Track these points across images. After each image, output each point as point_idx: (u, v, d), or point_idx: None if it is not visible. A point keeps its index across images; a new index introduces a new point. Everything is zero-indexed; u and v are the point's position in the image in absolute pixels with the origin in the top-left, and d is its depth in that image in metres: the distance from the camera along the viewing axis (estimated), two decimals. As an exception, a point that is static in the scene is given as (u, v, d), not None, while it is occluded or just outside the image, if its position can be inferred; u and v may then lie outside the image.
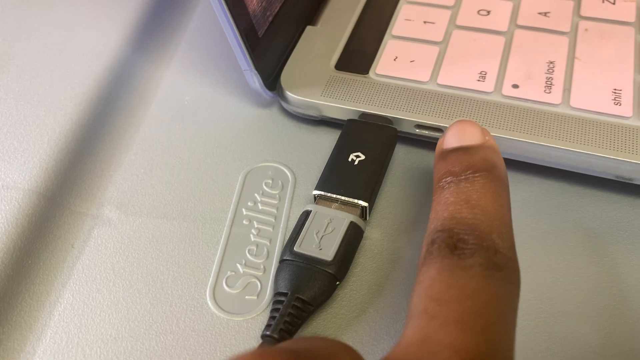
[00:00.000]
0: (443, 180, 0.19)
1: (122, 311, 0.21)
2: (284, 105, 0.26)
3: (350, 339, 0.20)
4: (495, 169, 0.19)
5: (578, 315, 0.20)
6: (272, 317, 0.19)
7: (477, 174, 0.18)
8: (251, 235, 0.22)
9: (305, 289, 0.20)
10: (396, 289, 0.21)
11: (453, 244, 0.16)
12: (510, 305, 0.16)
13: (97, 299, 0.21)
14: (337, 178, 0.23)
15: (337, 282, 0.20)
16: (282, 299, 0.20)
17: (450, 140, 0.20)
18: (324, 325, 0.20)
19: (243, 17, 0.24)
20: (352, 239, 0.21)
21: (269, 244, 0.22)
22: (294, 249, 0.21)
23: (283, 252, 0.21)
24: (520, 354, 0.19)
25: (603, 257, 0.22)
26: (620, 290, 0.21)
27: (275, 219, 0.23)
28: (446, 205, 0.18)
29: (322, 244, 0.21)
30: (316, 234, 0.21)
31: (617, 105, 0.24)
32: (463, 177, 0.18)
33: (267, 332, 0.19)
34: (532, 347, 0.19)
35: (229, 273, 0.21)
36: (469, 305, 0.15)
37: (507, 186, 0.19)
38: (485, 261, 0.16)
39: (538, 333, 0.20)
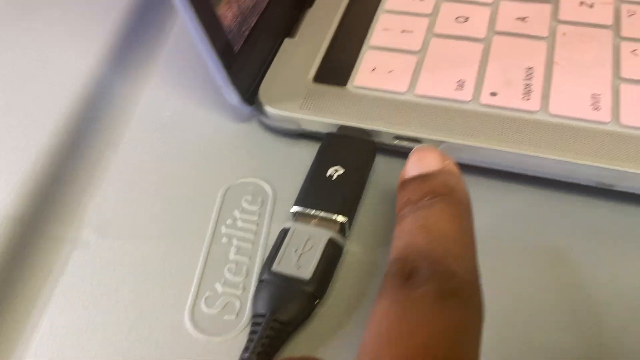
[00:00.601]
0: (403, 210, 0.18)
1: (100, 336, 0.21)
2: (263, 119, 0.26)
3: (330, 356, 0.20)
4: (454, 192, 0.18)
5: (561, 323, 0.20)
6: (250, 340, 0.19)
7: (435, 199, 0.18)
8: (230, 254, 0.22)
9: (283, 309, 0.19)
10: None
11: (407, 273, 0.16)
12: (469, 333, 0.15)
13: (75, 325, 0.21)
14: (315, 194, 0.22)
15: (317, 301, 0.20)
16: (260, 320, 0.19)
17: (410, 170, 0.20)
18: (305, 344, 0.20)
19: (218, 33, 0.24)
20: (331, 255, 0.21)
21: (248, 261, 0.22)
22: (272, 268, 0.20)
23: (261, 272, 0.21)
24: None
25: (585, 263, 0.22)
26: (604, 296, 0.21)
27: (254, 236, 0.23)
28: (403, 234, 0.17)
29: (301, 262, 0.20)
30: (295, 252, 0.21)
31: (596, 111, 0.24)
32: (421, 204, 0.18)
33: (245, 355, 0.19)
34: (516, 357, 0.19)
35: (207, 293, 0.21)
36: (419, 340, 0.14)
37: (469, 209, 0.18)
38: (439, 288, 0.15)
39: (520, 343, 0.20)
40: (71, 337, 0.21)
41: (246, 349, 0.19)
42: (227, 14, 0.24)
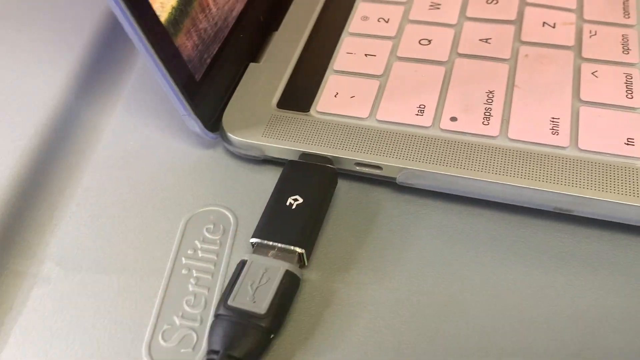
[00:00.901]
0: None
1: (58, 372, 0.21)
2: (227, 146, 0.26)
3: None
4: None
5: (516, 348, 0.20)
6: None
7: None
8: (189, 285, 0.22)
9: (237, 345, 0.19)
10: (329, 335, 0.21)
11: None
12: None
13: (33, 361, 0.21)
14: (274, 224, 0.23)
15: (272, 335, 0.20)
16: (214, 357, 0.19)
17: None
18: None
19: (177, 64, 0.24)
20: (287, 288, 0.21)
21: (207, 293, 0.22)
22: (228, 303, 0.20)
23: (217, 307, 0.21)
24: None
25: (546, 287, 0.22)
26: (561, 319, 0.21)
27: (214, 266, 0.23)
28: None
29: (257, 296, 0.20)
30: (251, 285, 0.21)
31: (555, 135, 0.24)
32: None
33: None
34: None
35: (165, 327, 0.21)
36: None
37: None
38: None
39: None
40: (30, 373, 0.21)
41: None
42: (186, 43, 0.24)
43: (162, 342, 0.21)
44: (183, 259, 0.23)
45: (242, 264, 0.22)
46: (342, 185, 0.25)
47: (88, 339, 0.21)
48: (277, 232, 0.22)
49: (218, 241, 0.24)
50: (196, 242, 0.24)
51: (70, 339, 0.21)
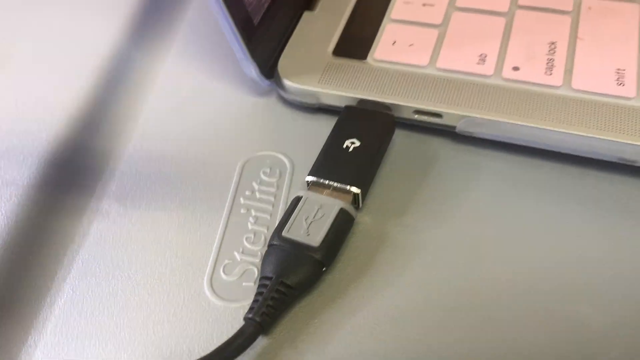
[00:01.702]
0: None
1: (120, 303, 0.21)
2: (282, 93, 0.26)
3: (332, 324, 0.20)
4: None
5: (582, 296, 0.20)
6: (255, 301, 0.19)
7: None
8: (249, 224, 0.22)
9: (290, 273, 0.20)
10: (383, 274, 0.21)
11: None
12: None
13: (95, 292, 0.21)
14: (330, 164, 0.22)
15: (324, 268, 0.20)
16: (267, 282, 0.20)
17: None
18: (309, 309, 0.20)
19: (237, 5, 0.24)
20: (342, 225, 0.21)
21: (266, 231, 0.22)
22: (282, 234, 0.21)
23: (272, 237, 0.21)
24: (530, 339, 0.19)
25: (608, 238, 0.21)
26: (625, 270, 0.20)
27: (272, 207, 0.23)
28: None
29: (311, 229, 0.20)
30: (305, 219, 0.21)
31: (621, 86, 0.23)
32: None
33: (250, 315, 0.19)
34: (535, 329, 0.19)
35: (226, 261, 0.21)
36: None
37: None
38: None
39: (541, 317, 0.20)
40: (92, 304, 0.21)
41: (251, 309, 0.19)
42: (247, -15, 0.24)
43: (223, 275, 0.21)
44: (241, 199, 0.23)
45: (297, 199, 0.22)
46: (400, 135, 0.25)
47: (149, 272, 0.21)
48: (333, 172, 0.22)
49: (275, 183, 0.24)
50: (254, 184, 0.24)
51: (132, 271, 0.22)
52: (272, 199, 0.23)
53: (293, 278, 0.20)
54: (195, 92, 0.28)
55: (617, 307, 0.20)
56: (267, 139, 0.26)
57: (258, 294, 0.20)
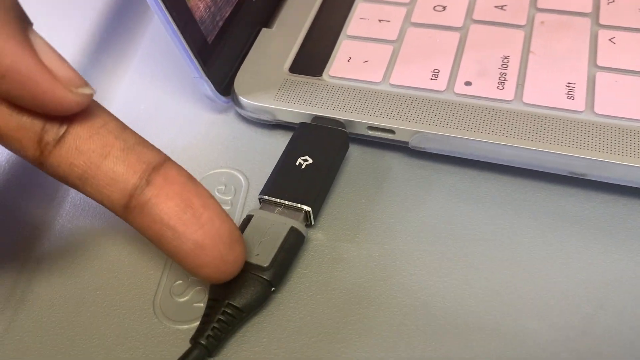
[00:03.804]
0: None
1: (68, 328, 0.21)
2: (238, 110, 0.26)
3: (283, 344, 0.20)
4: None
5: (530, 311, 0.20)
6: (202, 323, 0.19)
7: None
8: (201, 244, 0.22)
9: (237, 295, 0.20)
10: (333, 291, 0.21)
11: None
12: None
13: (43, 318, 0.21)
14: (282, 182, 0.22)
15: (273, 289, 0.20)
16: (214, 304, 0.20)
17: None
18: (258, 330, 0.20)
19: (189, 25, 0.24)
20: (292, 244, 0.21)
21: (218, 252, 0.22)
22: None
23: None
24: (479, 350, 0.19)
25: (559, 251, 0.21)
26: (573, 284, 0.21)
27: (226, 227, 0.23)
28: None
29: (260, 249, 0.20)
30: (255, 239, 0.21)
31: (570, 100, 0.24)
32: None
33: (195, 338, 0.19)
34: (482, 344, 0.19)
35: (177, 282, 0.21)
36: None
37: None
38: None
39: (489, 331, 0.20)
40: (40, 326, 0.21)
41: (197, 331, 0.19)
42: (199, 4, 0.24)
43: (173, 296, 0.21)
44: (194, 218, 0.23)
45: (248, 218, 0.22)
46: (354, 150, 0.25)
47: (100, 294, 0.21)
48: (285, 190, 0.22)
49: (230, 201, 0.24)
50: (207, 202, 0.24)
51: (82, 293, 0.21)
52: (225, 217, 0.23)
53: (240, 300, 0.20)
54: (153, 110, 0.28)
55: (563, 321, 0.20)
56: (224, 156, 0.26)
57: (205, 315, 0.20)
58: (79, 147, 0.18)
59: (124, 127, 0.19)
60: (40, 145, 0.17)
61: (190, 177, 0.18)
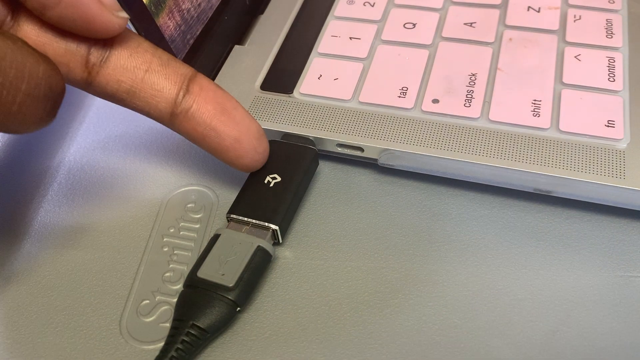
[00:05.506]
0: None
1: (33, 348, 0.21)
2: (210, 127, 0.26)
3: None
4: None
5: (493, 328, 0.20)
6: (166, 344, 0.19)
7: None
8: (168, 262, 0.22)
9: (202, 316, 0.20)
10: (300, 310, 0.21)
11: None
12: None
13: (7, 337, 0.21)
14: (250, 201, 0.23)
15: (238, 309, 0.20)
16: (179, 325, 0.20)
17: None
18: (223, 350, 0.20)
19: (159, 44, 0.24)
20: (258, 264, 0.21)
21: (185, 269, 0.22)
22: (197, 274, 0.20)
23: (187, 278, 0.21)
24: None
25: (525, 268, 0.22)
26: (537, 301, 0.21)
27: (194, 243, 0.23)
28: None
29: (226, 269, 0.20)
30: (221, 258, 0.21)
31: (536, 117, 0.24)
32: None
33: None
34: (442, 367, 0.19)
35: (144, 302, 0.21)
36: None
37: None
38: None
39: (451, 348, 0.20)
40: (4, 347, 0.21)
41: (161, 352, 0.19)
42: (168, 23, 0.24)
43: (139, 316, 0.21)
44: (164, 237, 0.23)
45: (216, 237, 0.22)
46: (324, 167, 0.25)
47: (66, 314, 0.21)
48: (252, 209, 0.22)
49: (199, 219, 0.24)
50: (177, 220, 0.24)
51: (48, 313, 0.21)
52: (194, 235, 0.23)
53: (205, 320, 0.20)
54: (123, 129, 0.28)
55: (525, 339, 0.20)
56: (194, 173, 0.26)
57: (169, 336, 0.20)
58: (123, 65, 0.20)
59: (155, 46, 0.21)
60: (88, 67, 0.19)
61: (218, 85, 0.22)
